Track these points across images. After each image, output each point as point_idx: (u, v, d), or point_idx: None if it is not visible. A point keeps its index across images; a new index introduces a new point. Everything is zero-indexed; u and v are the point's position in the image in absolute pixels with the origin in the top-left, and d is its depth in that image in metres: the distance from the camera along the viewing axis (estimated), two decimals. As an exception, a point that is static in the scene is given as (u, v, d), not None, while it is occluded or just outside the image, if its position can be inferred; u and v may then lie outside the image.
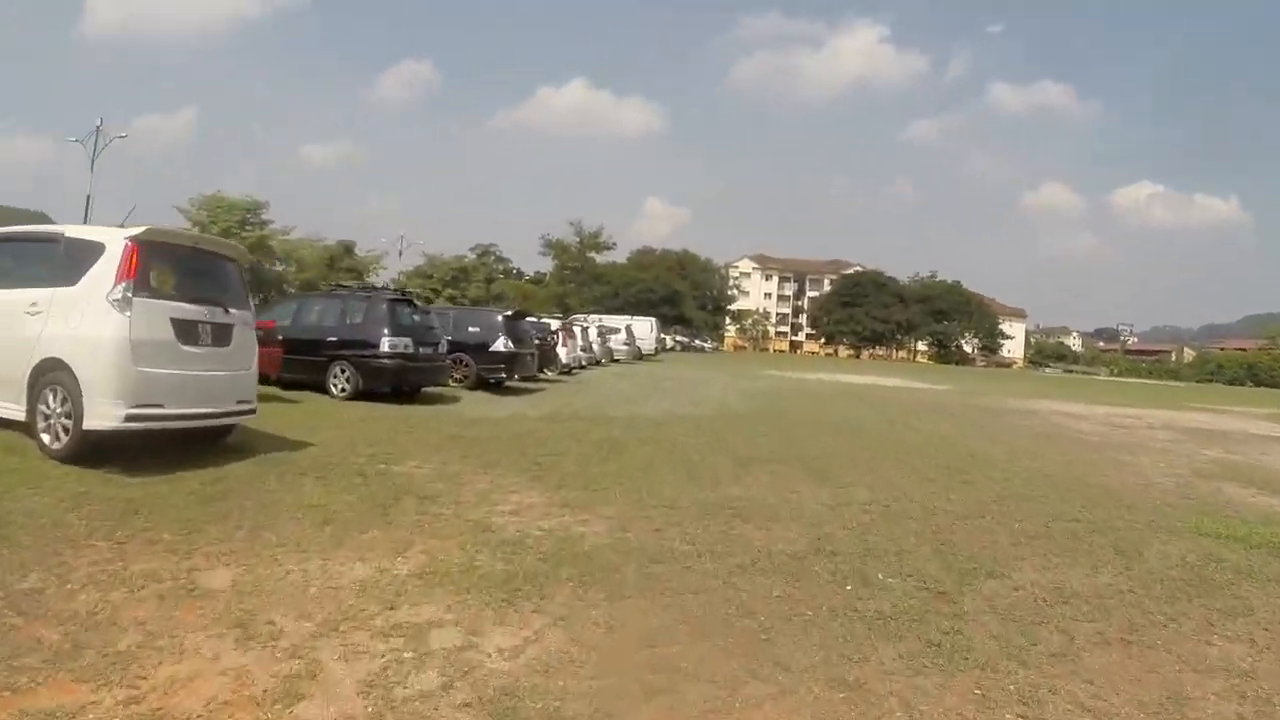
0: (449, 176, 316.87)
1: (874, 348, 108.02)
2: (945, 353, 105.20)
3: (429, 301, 62.75)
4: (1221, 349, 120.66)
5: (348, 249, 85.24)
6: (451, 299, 66.82)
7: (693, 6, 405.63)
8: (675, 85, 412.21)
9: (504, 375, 17.84)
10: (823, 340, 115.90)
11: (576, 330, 28.73)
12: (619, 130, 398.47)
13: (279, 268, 73.65)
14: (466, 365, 17.81)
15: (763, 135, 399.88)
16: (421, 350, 14.64)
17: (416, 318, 15.29)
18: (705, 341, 75.89)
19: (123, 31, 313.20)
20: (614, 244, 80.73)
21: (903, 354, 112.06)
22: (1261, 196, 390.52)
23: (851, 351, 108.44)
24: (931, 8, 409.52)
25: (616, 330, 36.44)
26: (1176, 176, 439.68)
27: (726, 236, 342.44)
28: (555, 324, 26.45)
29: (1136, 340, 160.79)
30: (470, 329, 18.43)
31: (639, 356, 39.83)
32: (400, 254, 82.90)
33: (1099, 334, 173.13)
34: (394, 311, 14.52)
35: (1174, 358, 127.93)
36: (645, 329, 41.48)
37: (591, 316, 42.17)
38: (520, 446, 9.33)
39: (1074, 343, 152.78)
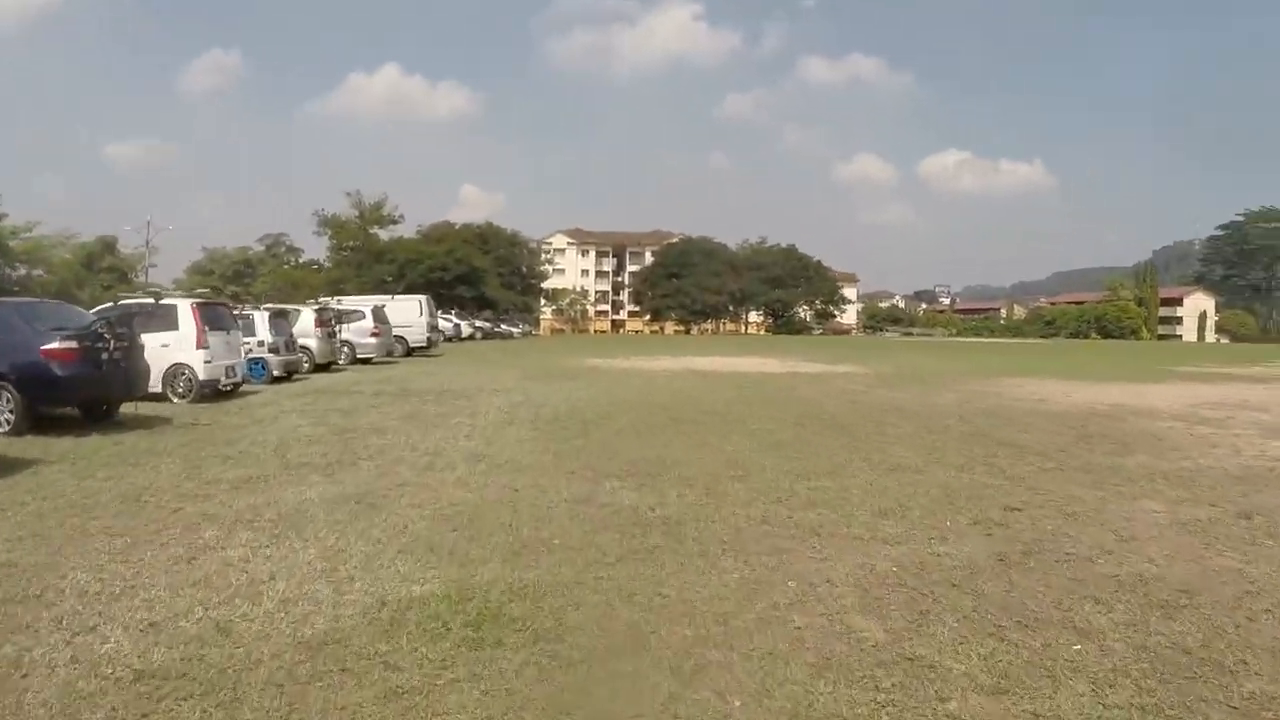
0: (261, 170, 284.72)
1: (702, 322, 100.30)
2: (782, 322, 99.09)
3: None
4: (1051, 303, 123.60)
5: (108, 246, 66.19)
6: (235, 297, 52.83)
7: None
8: (490, 68, 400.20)
9: None
10: (647, 317, 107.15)
11: (253, 316, 16.87)
12: (433, 116, 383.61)
13: (20, 271, 54.08)
14: None
15: (580, 114, 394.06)
16: None
17: None
18: (515, 326, 64.40)
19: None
20: (401, 217, 67.11)
21: (730, 327, 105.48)
22: (1064, 160, 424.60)
23: (680, 327, 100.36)
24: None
25: (358, 315, 24.44)
26: (983, 143, 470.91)
27: (544, 218, 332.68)
28: (172, 302, 14.35)
29: (958, 300, 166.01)
30: None
31: (404, 351, 28.07)
32: (148, 243, 66.47)
33: (918, 296, 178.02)
34: None
35: (1003, 314, 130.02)
36: (410, 311, 29.37)
37: (345, 299, 29.87)
38: None
39: (897, 305, 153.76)
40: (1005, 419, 12.00)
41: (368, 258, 60.83)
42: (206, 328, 13.95)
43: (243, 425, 10.64)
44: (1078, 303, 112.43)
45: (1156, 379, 22.80)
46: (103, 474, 7.14)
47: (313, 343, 20.25)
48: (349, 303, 26.75)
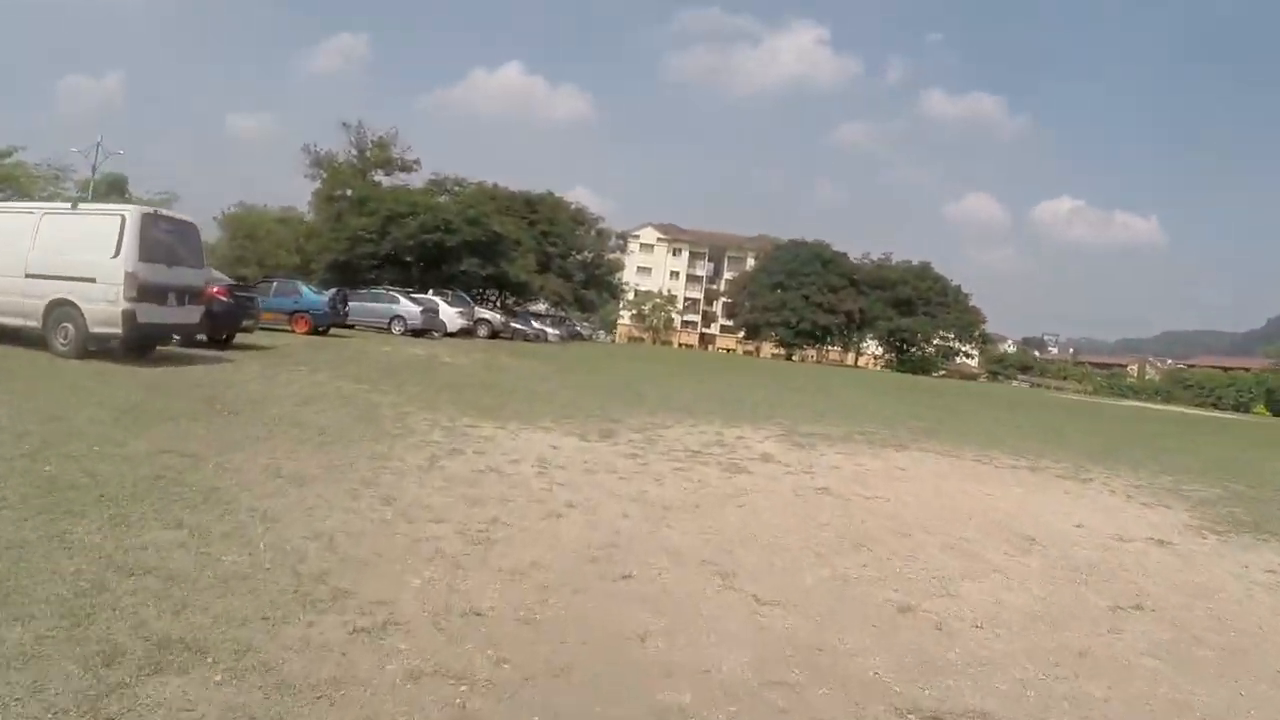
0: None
1: (804, 347, 79.45)
2: (906, 357, 77.20)
3: None
4: (1191, 365, 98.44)
5: (115, 185, 53.25)
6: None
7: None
8: (609, 75, 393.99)
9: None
10: (742, 334, 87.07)
11: None
12: (551, 116, 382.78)
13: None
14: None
15: (693, 129, 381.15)
16: None
17: None
18: (551, 328, 45.87)
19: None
20: (416, 163, 49.68)
21: (836, 356, 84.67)
22: (1178, 218, 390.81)
23: (779, 351, 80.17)
24: (872, 11, 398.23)
25: None
26: (1098, 193, 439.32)
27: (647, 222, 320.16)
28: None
29: (1072, 351, 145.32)
30: None
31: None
32: (94, 169, 50.60)
33: (1027, 343, 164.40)
34: None
35: (1135, 372, 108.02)
36: None
37: None
38: None
39: (1009, 350, 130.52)
40: None
41: (350, 206, 43.17)
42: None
43: None
44: (1224, 368, 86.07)
45: None
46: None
47: None
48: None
